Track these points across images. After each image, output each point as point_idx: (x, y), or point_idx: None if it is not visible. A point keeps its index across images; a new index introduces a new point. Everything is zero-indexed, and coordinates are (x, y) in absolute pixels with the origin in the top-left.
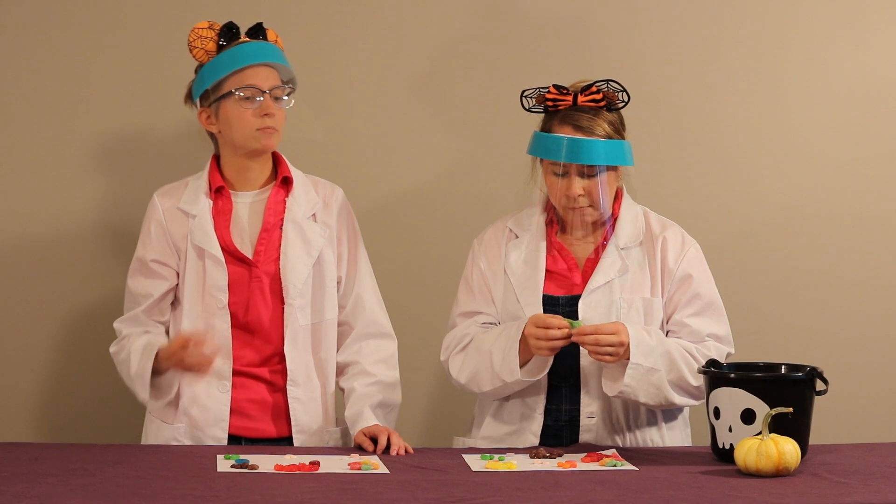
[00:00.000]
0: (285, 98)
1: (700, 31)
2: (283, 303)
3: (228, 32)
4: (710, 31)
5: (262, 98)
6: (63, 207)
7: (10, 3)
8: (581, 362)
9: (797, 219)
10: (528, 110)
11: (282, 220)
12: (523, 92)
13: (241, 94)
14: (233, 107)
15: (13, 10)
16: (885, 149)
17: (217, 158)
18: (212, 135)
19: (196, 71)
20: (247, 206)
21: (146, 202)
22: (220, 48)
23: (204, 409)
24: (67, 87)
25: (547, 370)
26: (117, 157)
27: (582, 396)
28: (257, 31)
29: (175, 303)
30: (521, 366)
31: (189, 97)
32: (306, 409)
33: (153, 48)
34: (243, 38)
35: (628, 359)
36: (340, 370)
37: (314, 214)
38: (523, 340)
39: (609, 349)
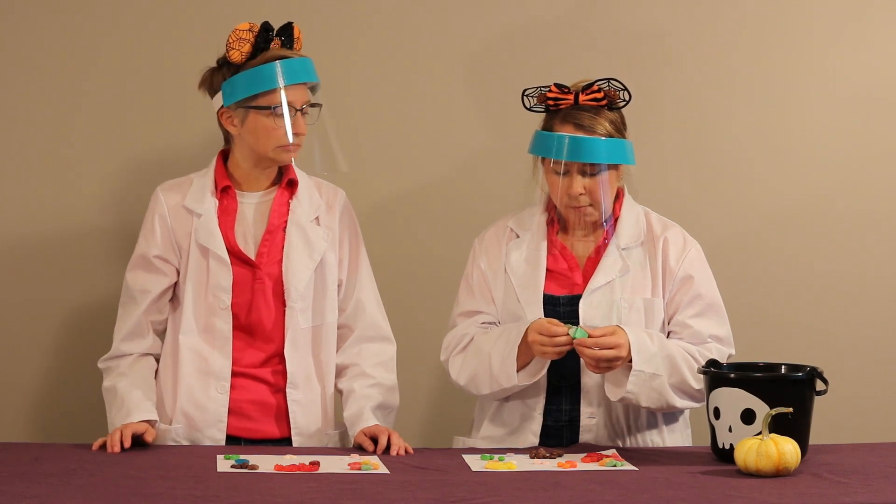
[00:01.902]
0: (310, 112)
1: (702, 31)
2: (284, 305)
3: (265, 35)
4: (712, 31)
5: (293, 116)
6: (63, 207)
7: (11, 3)
8: (581, 363)
9: (798, 219)
10: (530, 109)
11: (285, 222)
12: (525, 91)
13: (276, 111)
14: (263, 120)
15: (14, 9)
16: (886, 149)
17: (224, 157)
18: (225, 131)
19: (220, 63)
20: (252, 206)
21: (146, 202)
22: (254, 50)
23: (202, 409)
24: (68, 87)
25: (543, 372)
26: (118, 157)
27: (582, 397)
28: (288, 33)
29: (174, 301)
30: (520, 369)
31: (204, 86)
32: (305, 412)
33: (155, 47)
34: (275, 41)
35: (629, 361)
36: (339, 372)
37: (317, 217)
38: (523, 345)
39: (605, 364)
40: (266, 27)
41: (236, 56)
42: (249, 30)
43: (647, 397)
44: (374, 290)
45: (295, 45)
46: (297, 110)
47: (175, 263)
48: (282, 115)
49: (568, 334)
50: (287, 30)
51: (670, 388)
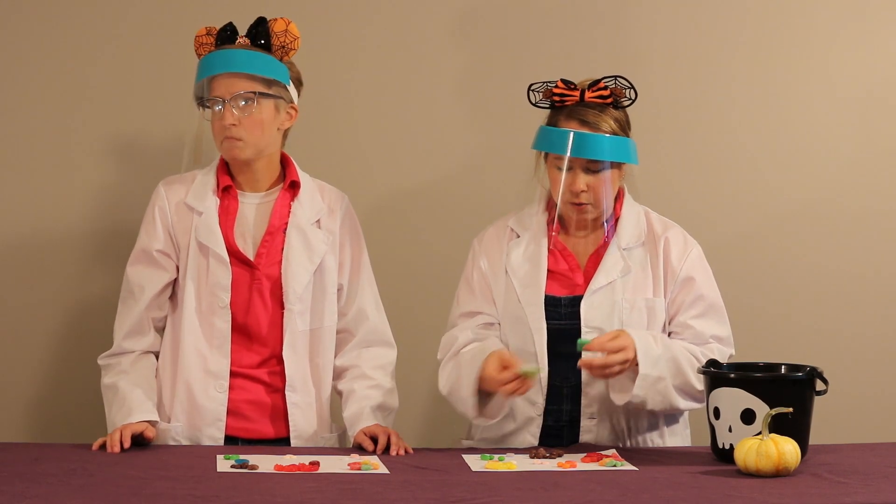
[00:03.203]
0: (259, 104)
1: (704, 31)
2: (282, 307)
3: (223, 35)
4: (714, 31)
5: (220, 108)
6: (62, 207)
7: (10, 3)
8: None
9: (799, 219)
10: (535, 104)
11: (286, 224)
12: (531, 86)
13: (207, 103)
14: (208, 115)
15: (13, 10)
16: (886, 149)
17: None
18: None
19: None
20: (253, 207)
21: (143, 202)
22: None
23: (201, 408)
24: (66, 87)
25: (504, 413)
26: (115, 158)
27: (583, 397)
28: (256, 29)
29: (173, 299)
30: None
31: None
32: (304, 414)
33: (153, 49)
34: (241, 39)
35: (635, 364)
36: (339, 374)
37: (318, 220)
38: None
39: (616, 368)
40: (225, 28)
41: None
42: (207, 34)
43: (652, 400)
44: (376, 296)
45: (274, 40)
46: (225, 101)
47: (175, 259)
48: (209, 108)
49: (517, 373)
50: (254, 27)
51: (674, 390)
